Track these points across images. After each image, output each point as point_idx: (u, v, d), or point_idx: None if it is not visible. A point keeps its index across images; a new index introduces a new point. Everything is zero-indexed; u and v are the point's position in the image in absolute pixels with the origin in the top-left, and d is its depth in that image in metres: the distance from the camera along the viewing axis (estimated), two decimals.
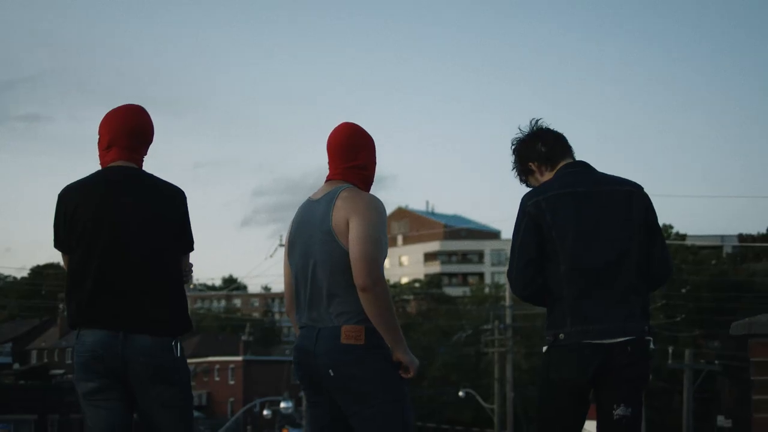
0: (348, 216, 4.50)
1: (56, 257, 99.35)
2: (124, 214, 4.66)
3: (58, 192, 4.81)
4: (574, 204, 4.69)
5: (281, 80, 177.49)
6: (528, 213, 4.72)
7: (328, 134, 4.80)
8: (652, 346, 4.70)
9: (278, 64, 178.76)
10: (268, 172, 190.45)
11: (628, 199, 4.73)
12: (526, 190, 4.88)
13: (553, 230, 4.67)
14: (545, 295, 4.71)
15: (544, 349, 4.75)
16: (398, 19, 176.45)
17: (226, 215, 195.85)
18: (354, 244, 4.44)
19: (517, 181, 5.04)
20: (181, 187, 4.83)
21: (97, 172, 4.82)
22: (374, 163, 4.82)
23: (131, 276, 4.63)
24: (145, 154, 4.90)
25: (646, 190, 4.82)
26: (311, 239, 4.61)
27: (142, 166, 4.88)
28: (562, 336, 4.64)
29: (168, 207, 4.73)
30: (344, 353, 4.47)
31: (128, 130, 4.81)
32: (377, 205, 4.56)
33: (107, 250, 4.64)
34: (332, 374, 4.48)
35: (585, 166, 4.87)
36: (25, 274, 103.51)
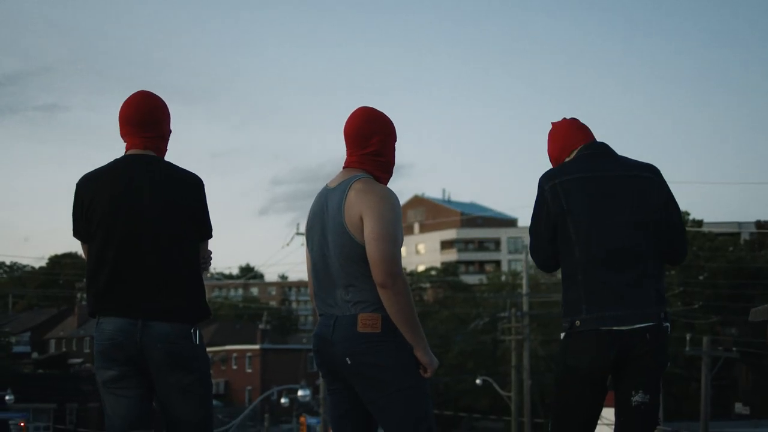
0: (361, 211, 4.47)
1: (74, 246, 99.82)
2: (141, 203, 4.67)
3: (76, 181, 4.83)
4: (590, 189, 4.68)
5: (299, 69, 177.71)
6: (545, 198, 4.73)
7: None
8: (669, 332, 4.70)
9: (296, 53, 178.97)
10: (285, 161, 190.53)
11: (646, 184, 4.71)
12: (543, 172, 4.86)
13: (568, 216, 4.66)
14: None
15: (562, 335, 4.74)
16: (416, 8, 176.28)
17: (244, 204, 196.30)
18: (371, 242, 4.43)
19: (532, 168, 5.08)
20: (200, 175, 4.83)
21: (114, 161, 4.83)
22: (392, 149, 4.75)
23: (149, 264, 4.65)
24: (165, 139, 4.90)
25: (663, 175, 4.80)
26: (327, 229, 4.60)
27: (163, 152, 4.89)
28: (578, 323, 4.64)
29: (185, 194, 4.73)
30: (361, 341, 4.47)
31: (139, 118, 4.81)
32: (391, 198, 4.52)
33: (125, 239, 4.66)
34: (349, 362, 4.49)
35: (604, 149, 4.85)
36: (43, 263, 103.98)
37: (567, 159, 4.90)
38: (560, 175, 4.74)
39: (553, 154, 4.99)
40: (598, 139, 4.94)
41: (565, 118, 5.03)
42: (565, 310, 4.70)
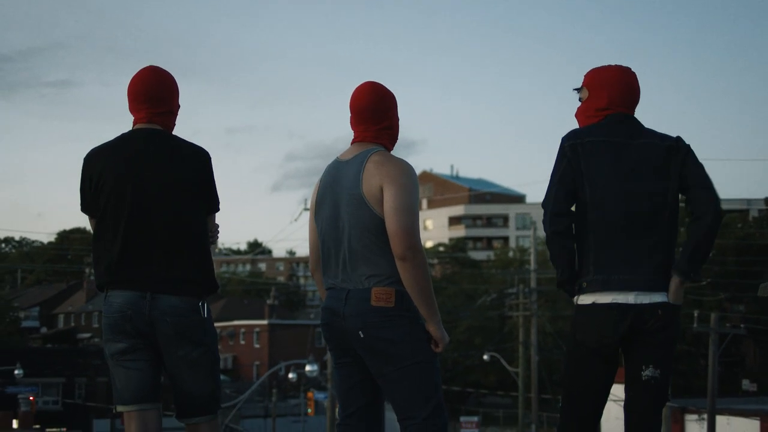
0: (382, 182, 4.47)
1: (82, 222, 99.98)
2: (148, 176, 4.66)
3: (83, 156, 4.82)
4: (609, 153, 4.65)
5: (315, 46, 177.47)
6: (565, 155, 4.70)
7: (352, 94, 4.74)
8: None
9: (310, 29, 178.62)
10: (300, 137, 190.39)
11: (667, 154, 4.67)
12: (551, 148, 4.83)
13: (585, 177, 4.64)
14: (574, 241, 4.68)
15: (575, 300, 4.70)
16: None
17: (258, 180, 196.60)
18: (391, 214, 4.42)
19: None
20: (212, 151, 4.83)
21: (121, 135, 4.82)
22: (398, 120, 4.79)
23: (157, 237, 4.65)
24: (173, 114, 4.89)
25: (689, 146, 4.72)
26: (340, 201, 4.58)
27: (171, 127, 4.88)
28: (585, 284, 4.63)
29: (192, 167, 4.72)
30: (375, 315, 4.46)
31: (148, 93, 4.80)
32: (410, 172, 4.53)
33: (132, 212, 4.65)
34: (362, 335, 4.48)
35: (630, 118, 4.82)
36: (52, 239, 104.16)
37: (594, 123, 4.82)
38: (582, 136, 4.71)
39: (593, 102, 4.87)
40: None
41: (626, 72, 4.86)
42: (577, 272, 4.69)
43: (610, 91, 4.82)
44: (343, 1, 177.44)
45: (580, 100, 4.92)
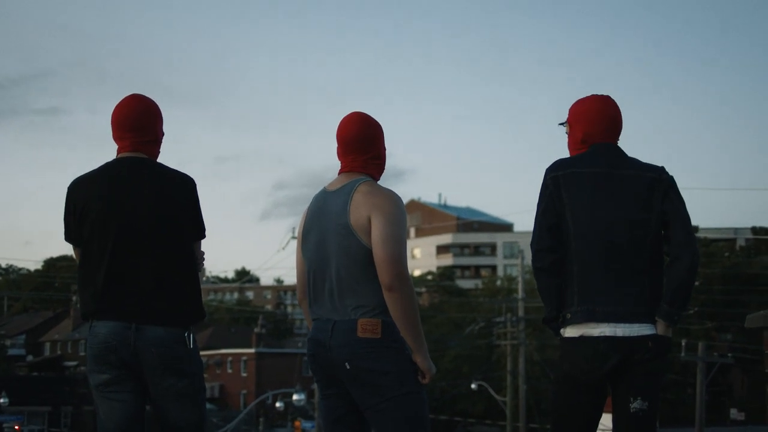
0: (369, 212, 4.46)
1: (69, 250, 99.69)
2: (134, 205, 4.64)
3: (67, 185, 4.80)
4: (591, 184, 4.65)
5: (302, 73, 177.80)
6: (547, 187, 4.71)
7: (339, 124, 4.74)
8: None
9: (299, 57, 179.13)
10: (290, 165, 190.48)
11: (649, 185, 4.66)
12: (538, 178, 4.84)
13: (566, 208, 4.65)
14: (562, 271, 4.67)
15: (561, 331, 4.68)
16: (414, 15, 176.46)
17: (246, 208, 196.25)
18: (379, 243, 4.41)
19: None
20: (201, 180, 4.81)
21: (105, 164, 4.80)
22: (386, 150, 4.79)
23: (142, 266, 4.62)
24: (157, 142, 4.87)
25: (671, 177, 4.72)
26: (327, 231, 4.57)
27: (156, 155, 4.86)
28: (569, 316, 4.62)
29: (178, 195, 4.70)
30: (361, 346, 4.44)
31: (131, 122, 4.78)
32: (398, 202, 4.53)
33: (117, 241, 4.62)
34: (348, 367, 4.46)
35: (612, 148, 4.81)
36: (39, 266, 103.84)
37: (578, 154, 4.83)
38: (564, 167, 4.72)
39: (576, 135, 4.88)
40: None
41: (601, 101, 4.84)
42: (562, 302, 4.68)
43: (585, 124, 4.83)
44: (332, 29, 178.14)
45: (566, 134, 4.94)
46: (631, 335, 4.55)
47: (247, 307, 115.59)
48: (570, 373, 4.64)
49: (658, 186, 4.66)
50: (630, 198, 4.63)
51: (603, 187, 4.65)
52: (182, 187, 4.73)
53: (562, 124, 4.96)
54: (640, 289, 4.59)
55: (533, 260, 4.75)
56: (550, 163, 4.78)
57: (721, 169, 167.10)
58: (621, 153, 4.79)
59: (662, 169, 4.73)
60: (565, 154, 4.94)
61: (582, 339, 4.59)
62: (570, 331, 4.64)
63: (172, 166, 4.81)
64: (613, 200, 4.63)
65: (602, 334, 4.55)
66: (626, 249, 4.59)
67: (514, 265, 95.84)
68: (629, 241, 4.59)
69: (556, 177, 4.71)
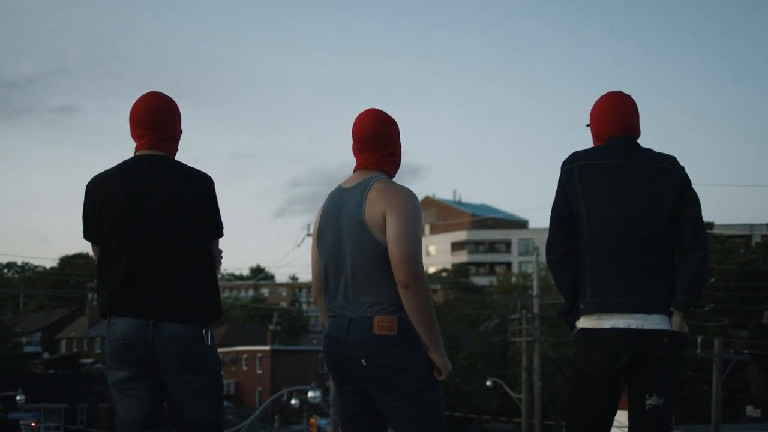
0: (385, 210, 4.46)
1: (85, 247, 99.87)
2: (152, 203, 4.66)
3: (86, 183, 4.82)
4: (604, 175, 4.67)
5: (319, 71, 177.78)
6: (561, 180, 4.75)
7: (354, 121, 4.75)
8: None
9: (316, 55, 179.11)
10: (305, 162, 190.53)
11: (662, 176, 4.67)
12: (553, 174, 4.86)
13: (580, 199, 4.66)
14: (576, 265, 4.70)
15: (576, 324, 4.70)
16: (431, 12, 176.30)
17: (261, 206, 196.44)
18: (394, 242, 4.41)
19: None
20: (216, 177, 4.82)
21: (123, 162, 4.81)
22: (401, 147, 4.79)
23: (161, 264, 4.64)
24: (175, 140, 4.89)
25: (683, 169, 4.73)
26: (343, 228, 4.58)
27: (173, 152, 4.87)
28: (582, 306, 4.63)
29: (196, 193, 4.71)
30: (377, 343, 4.44)
31: (149, 119, 4.80)
32: (413, 199, 4.53)
33: (137, 239, 4.64)
34: (365, 364, 4.47)
35: (627, 140, 4.83)
36: (55, 264, 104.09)
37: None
38: (578, 160, 4.74)
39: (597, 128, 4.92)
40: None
41: (613, 96, 4.91)
42: (577, 294, 4.70)
43: (601, 121, 4.89)
44: (348, 28, 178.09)
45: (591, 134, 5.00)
46: (645, 328, 4.55)
47: (262, 304, 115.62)
48: (584, 369, 4.65)
49: (670, 177, 4.67)
50: (643, 189, 4.65)
51: (616, 179, 4.67)
52: (200, 186, 4.75)
53: (588, 125, 5.00)
54: (653, 280, 4.60)
55: (546, 253, 4.79)
56: (566, 157, 4.81)
57: (737, 165, 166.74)
58: (635, 144, 4.81)
59: (674, 159, 4.74)
60: (577, 146, 4.98)
61: (596, 333, 4.59)
62: (583, 322, 4.66)
63: (188, 164, 4.83)
64: (626, 191, 4.65)
65: (615, 326, 4.56)
66: (639, 240, 4.60)
67: (529, 261, 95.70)
68: (642, 232, 4.60)
69: (570, 169, 4.74)
